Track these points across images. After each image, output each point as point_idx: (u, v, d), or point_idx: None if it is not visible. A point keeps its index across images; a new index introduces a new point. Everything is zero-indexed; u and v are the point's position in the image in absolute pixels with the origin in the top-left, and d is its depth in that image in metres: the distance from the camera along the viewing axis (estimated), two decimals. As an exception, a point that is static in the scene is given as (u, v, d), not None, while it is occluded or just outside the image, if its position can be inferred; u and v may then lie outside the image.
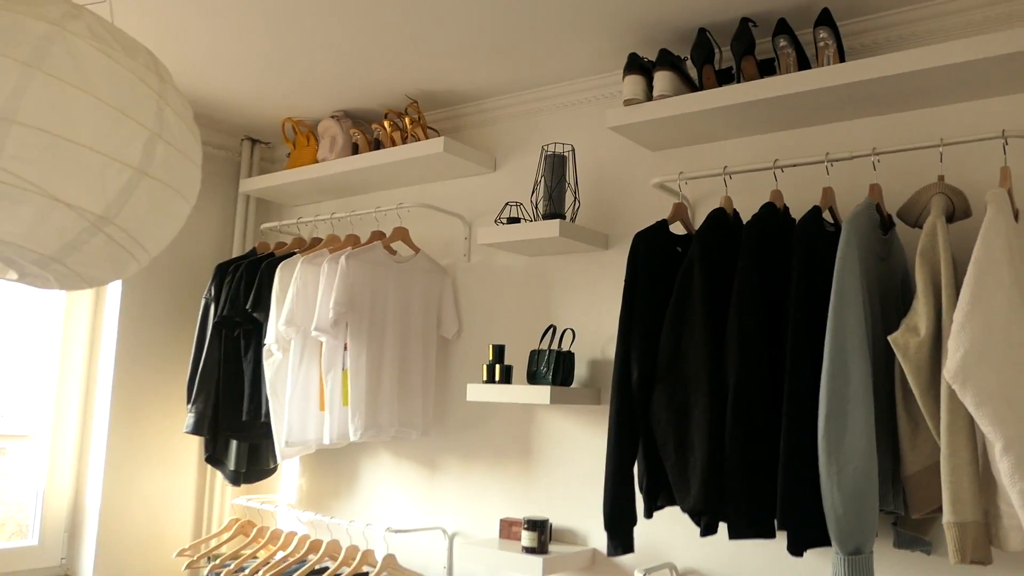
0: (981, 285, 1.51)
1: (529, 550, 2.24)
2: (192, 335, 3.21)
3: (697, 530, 2.16)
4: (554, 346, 2.47)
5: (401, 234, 2.72)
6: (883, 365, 1.75)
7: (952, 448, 1.52)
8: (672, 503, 1.92)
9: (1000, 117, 1.91)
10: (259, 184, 3.08)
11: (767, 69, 2.10)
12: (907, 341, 1.60)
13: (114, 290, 3.07)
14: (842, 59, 1.98)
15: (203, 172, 3.26)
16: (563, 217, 2.35)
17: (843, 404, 1.60)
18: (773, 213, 1.89)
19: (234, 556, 2.86)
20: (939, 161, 1.95)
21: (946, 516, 1.51)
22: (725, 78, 2.17)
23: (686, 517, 2.19)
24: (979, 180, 1.91)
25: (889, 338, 1.62)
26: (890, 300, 1.83)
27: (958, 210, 1.73)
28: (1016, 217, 1.76)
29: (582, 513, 2.39)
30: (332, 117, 2.90)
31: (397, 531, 2.55)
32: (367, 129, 2.98)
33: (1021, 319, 1.51)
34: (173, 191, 1.23)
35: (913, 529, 1.81)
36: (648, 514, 1.90)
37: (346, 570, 2.58)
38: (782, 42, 2.00)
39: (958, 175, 1.94)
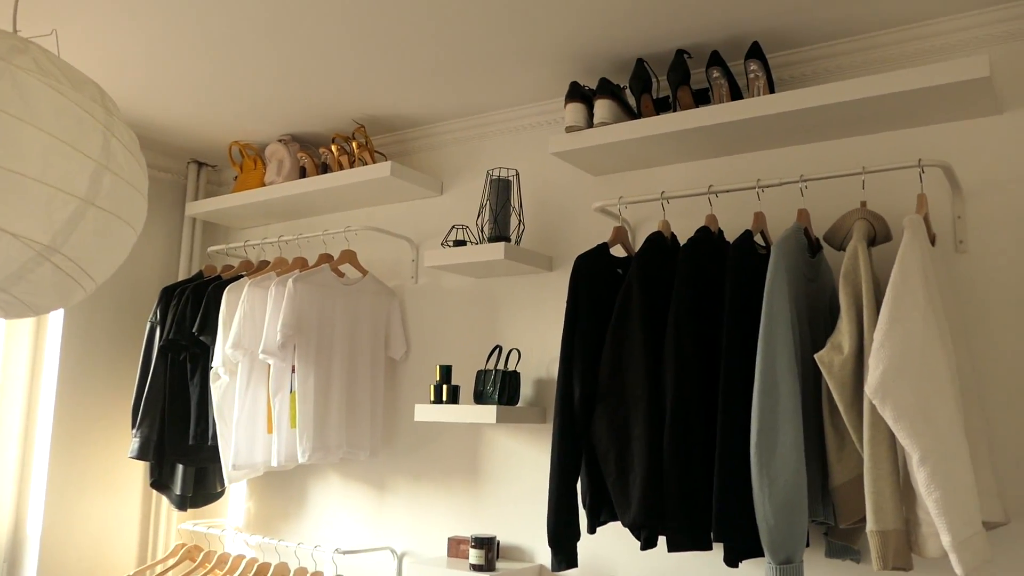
0: (898, 306, 1.60)
1: (477, 568, 2.27)
2: (137, 359, 3.18)
3: (639, 544, 2.22)
4: (500, 366, 2.51)
5: (349, 257, 2.75)
6: (812, 382, 1.83)
7: (874, 460, 1.60)
8: (615, 518, 1.97)
9: (917, 146, 2.02)
10: (206, 207, 3.08)
11: (702, 98, 2.20)
12: (832, 359, 1.68)
13: (56, 314, 3.03)
14: (771, 90, 2.08)
15: (149, 195, 3.24)
16: (508, 240, 2.40)
17: (773, 420, 1.67)
18: (708, 236, 1.97)
19: (180, 582, 2.83)
20: (862, 188, 2.05)
21: (869, 525, 1.59)
22: (662, 107, 2.26)
23: (628, 532, 2.25)
24: (898, 206, 2.02)
25: (815, 356, 1.71)
26: (819, 319, 1.92)
27: (879, 234, 1.83)
28: (932, 242, 1.87)
29: (529, 530, 2.44)
30: (279, 141, 2.92)
31: (346, 552, 2.56)
32: (315, 153, 3.01)
33: (935, 338, 1.60)
34: (120, 220, 1.26)
35: (842, 538, 1.90)
36: (591, 530, 1.95)
37: (294, 593, 2.59)
38: (715, 73, 2.10)
39: (879, 201, 2.04)
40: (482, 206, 2.48)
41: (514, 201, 2.55)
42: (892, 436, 1.61)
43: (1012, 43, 1.95)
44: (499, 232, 2.40)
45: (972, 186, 1.95)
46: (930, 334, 1.60)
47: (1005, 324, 1.87)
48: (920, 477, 1.54)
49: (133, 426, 2.83)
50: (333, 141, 2.78)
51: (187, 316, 2.78)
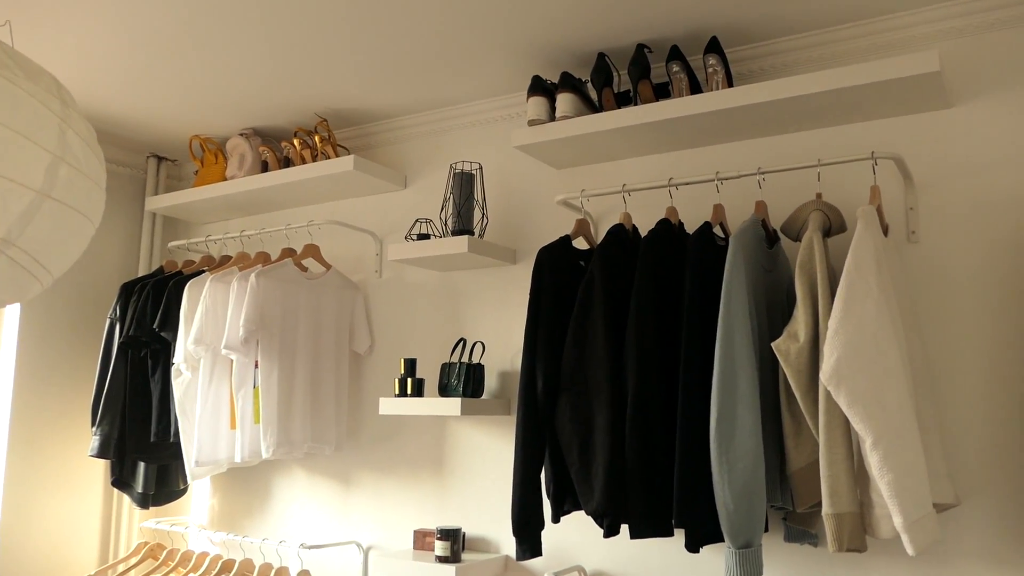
0: (852, 295, 1.64)
1: (442, 559, 2.28)
2: (96, 356, 3.14)
3: (602, 532, 2.25)
4: (464, 359, 2.53)
5: (312, 251, 2.74)
6: (769, 370, 1.87)
7: (829, 445, 1.64)
8: (578, 507, 1.99)
9: (871, 139, 2.07)
10: (166, 202, 3.04)
11: (662, 92, 2.22)
12: (788, 347, 1.72)
13: (12, 310, 2.98)
14: (730, 84, 2.12)
15: (107, 190, 3.20)
16: (472, 233, 2.41)
17: (732, 407, 1.71)
18: (668, 228, 2.00)
19: (143, 580, 2.81)
20: (817, 180, 2.10)
21: (825, 508, 1.63)
22: (623, 100, 2.28)
23: (592, 520, 2.28)
24: (852, 197, 2.07)
25: (772, 344, 1.74)
26: (777, 309, 1.95)
27: (834, 225, 1.87)
28: (885, 232, 1.91)
29: (494, 521, 2.45)
30: (241, 135, 2.90)
31: (311, 547, 2.55)
32: (276, 147, 2.99)
33: (888, 326, 1.64)
34: (77, 213, 1.25)
35: (800, 523, 1.94)
36: (555, 519, 1.97)
37: (259, 588, 2.58)
38: (675, 67, 2.12)
39: (834, 193, 2.09)
40: (445, 200, 2.48)
41: (477, 194, 2.56)
42: (846, 422, 1.65)
43: (961, 39, 2.00)
44: (463, 225, 2.41)
45: (923, 178, 2.00)
46: (883, 322, 1.64)
47: (955, 311, 1.93)
48: (873, 460, 1.58)
49: (93, 424, 2.79)
50: (295, 135, 2.76)
51: (148, 312, 2.75)
